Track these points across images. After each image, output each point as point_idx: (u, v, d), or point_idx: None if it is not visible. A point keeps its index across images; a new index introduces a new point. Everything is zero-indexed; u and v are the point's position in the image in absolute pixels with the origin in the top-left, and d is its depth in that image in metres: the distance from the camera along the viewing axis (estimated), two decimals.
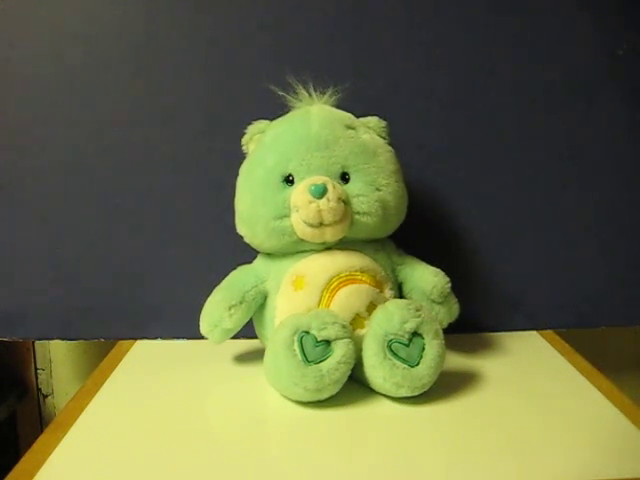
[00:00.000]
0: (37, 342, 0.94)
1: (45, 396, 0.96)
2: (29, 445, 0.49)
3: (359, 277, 0.57)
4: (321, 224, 0.55)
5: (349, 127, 0.59)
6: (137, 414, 0.53)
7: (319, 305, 0.56)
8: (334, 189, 0.55)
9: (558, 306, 0.73)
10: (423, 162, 0.71)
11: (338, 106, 0.62)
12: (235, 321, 0.59)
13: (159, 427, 0.51)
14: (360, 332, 0.55)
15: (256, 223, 0.58)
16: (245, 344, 0.66)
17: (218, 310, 0.59)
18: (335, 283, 0.56)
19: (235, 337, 0.61)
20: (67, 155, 0.71)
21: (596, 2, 0.71)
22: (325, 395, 0.53)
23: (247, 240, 0.62)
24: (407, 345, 0.53)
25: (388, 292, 0.59)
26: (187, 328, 0.66)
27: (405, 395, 0.53)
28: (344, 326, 0.53)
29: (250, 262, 0.63)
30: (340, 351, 0.52)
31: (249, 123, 0.62)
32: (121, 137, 0.71)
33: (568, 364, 0.62)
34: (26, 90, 0.71)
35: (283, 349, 0.52)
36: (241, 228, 0.62)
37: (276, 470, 0.45)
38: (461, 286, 0.63)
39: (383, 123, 0.62)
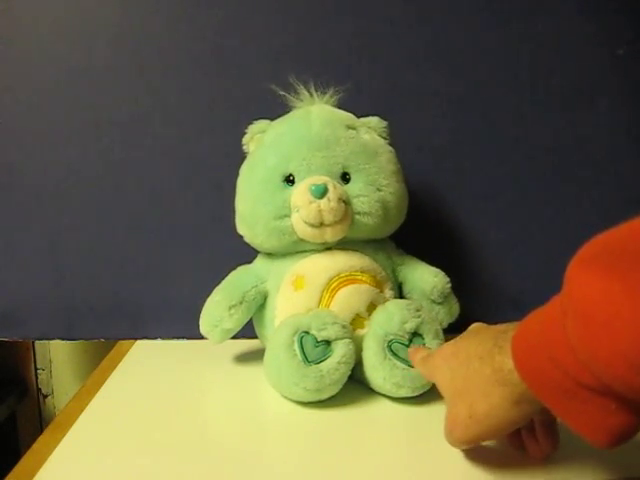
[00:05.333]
0: (37, 342, 0.94)
1: (45, 396, 0.96)
2: (29, 445, 0.49)
3: (359, 277, 0.57)
4: (321, 224, 0.55)
5: (350, 127, 0.59)
6: (137, 414, 0.53)
7: (319, 305, 0.56)
8: (335, 189, 0.55)
9: None
10: (423, 162, 0.71)
11: (339, 106, 0.62)
12: (235, 321, 0.59)
13: (159, 427, 0.51)
14: (360, 332, 0.55)
15: (256, 223, 0.58)
16: (245, 344, 0.66)
17: (218, 310, 0.59)
18: (335, 283, 0.56)
19: (235, 337, 0.61)
20: (67, 155, 0.71)
21: (596, 2, 0.71)
22: (325, 395, 0.53)
23: (247, 240, 0.62)
24: (407, 345, 0.53)
25: (388, 292, 0.59)
26: (187, 328, 0.66)
27: (405, 395, 0.53)
28: (344, 326, 0.53)
29: (250, 262, 0.63)
30: (340, 351, 0.52)
31: (249, 123, 0.62)
32: (121, 137, 0.71)
33: None
34: (26, 90, 0.70)
35: (283, 349, 0.52)
36: (241, 228, 0.62)
37: (276, 470, 0.45)
38: (461, 286, 0.63)
39: (384, 123, 0.62)
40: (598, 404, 0.33)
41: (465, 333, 0.46)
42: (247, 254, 0.63)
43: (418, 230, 0.67)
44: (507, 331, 0.40)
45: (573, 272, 0.33)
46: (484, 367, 0.39)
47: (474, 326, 0.47)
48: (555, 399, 0.35)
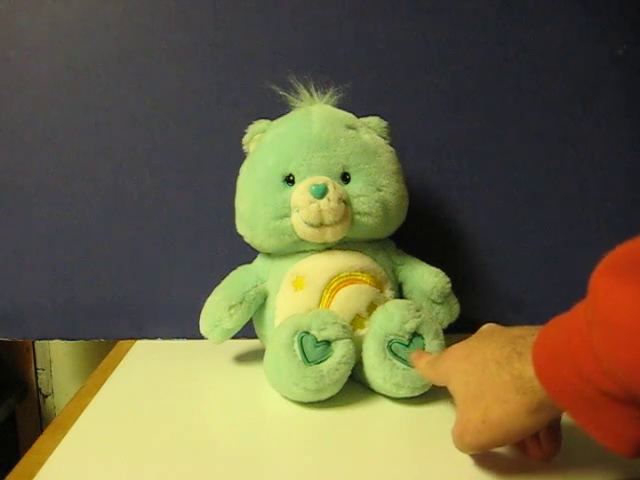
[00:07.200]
0: (37, 342, 0.94)
1: (45, 396, 0.96)
2: (29, 445, 0.49)
3: (359, 277, 0.57)
4: (322, 224, 0.55)
5: (350, 127, 0.59)
6: (137, 414, 0.53)
7: (319, 305, 0.56)
8: (335, 189, 0.55)
9: (558, 306, 0.73)
10: (424, 162, 0.71)
11: (339, 106, 0.62)
12: (235, 321, 0.59)
13: (159, 427, 0.51)
14: (360, 332, 0.55)
15: (256, 223, 0.58)
16: (245, 344, 0.66)
17: (218, 310, 0.59)
18: (335, 283, 0.56)
19: (235, 337, 0.61)
20: (67, 155, 0.71)
21: (596, 2, 0.71)
22: (325, 395, 0.53)
23: (247, 240, 0.62)
24: (407, 345, 0.53)
25: (388, 292, 0.59)
26: (187, 328, 0.66)
27: (405, 396, 0.53)
28: (344, 326, 0.53)
29: (250, 262, 0.63)
30: (340, 351, 0.52)
31: (249, 123, 0.62)
32: (121, 137, 0.71)
33: None
34: (26, 90, 0.70)
35: (283, 349, 0.52)
36: (241, 228, 0.62)
37: (276, 470, 0.45)
38: (461, 286, 0.63)
39: (384, 123, 0.62)
40: (622, 413, 0.32)
41: (477, 335, 0.45)
42: (247, 254, 0.63)
43: (418, 230, 0.67)
44: (525, 337, 0.39)
45: (598, 280, 0.32)
46: (502, 373, 0.39)
47: (486, 327, 0.47)
48: (577, 408, 0.34)
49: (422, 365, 0.49)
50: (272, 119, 0.62)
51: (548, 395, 0.36)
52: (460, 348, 0.45)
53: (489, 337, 0.43)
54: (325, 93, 0.61)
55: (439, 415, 0.52)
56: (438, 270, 0.61)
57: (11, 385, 0.93)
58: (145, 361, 0.66)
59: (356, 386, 0.56)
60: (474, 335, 0.46)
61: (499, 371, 0.39)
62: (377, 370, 0.53)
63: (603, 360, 0.32)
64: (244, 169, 0.62)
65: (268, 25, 0.70)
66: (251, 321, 0.62)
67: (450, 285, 0.60)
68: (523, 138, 0.72)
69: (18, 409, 0.94)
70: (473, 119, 0.72)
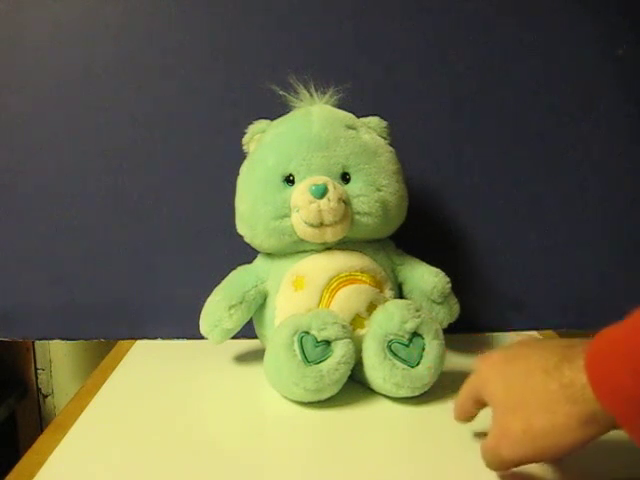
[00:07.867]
0: (37, 342, 0.94)
1: (45, 396, 0.96)
2: (29, 445, 0.49)
3: (359, 277, 0.57)
4: (321, 224, 0.55)
5: (350, 127, 0.59)
6: (137, 414, 0.53)
7: (319, 305, 0.56)
8: (335, 189, 0.55)
9: (558, 306, 0.73)
10: (423, 162, 0.71)
11: (339, 106, 0.62)
12: (235, 321, 0.59)
13: (159, 427, 0.51)
14: (360, 332, 0.55)
15: (256, 223, 0.58)
16: (245, 344, 0.66)
17: (218, 310, 0.59)
18: (335, 283, 0.56)
19: (235, 337, 0.61)
20: (67, 155, 0.71)
21: (596, 2, 0.71)
22: (325, 395, 0.53)
23: (247, 240, 0.62)
24: (407, 345, 0.53)
25: (388, 292, 0.59)
26: (187, 328, 0.66)
27: (405, 395, 0.53)
28: (344, 326, 0.53)
29: (250, 262, 0.63)
30: (340, 351, 0.52)
31: (249, 123, 0.62)
32: (121, 137, 0.71)
33: None
34: (26, 90, 0.70)
35: (283, 349, 0.52)
36: (241, 228, 0.62)
37: (276, 470, 0.45)
38: (461, 286, 0.63)
39: (384, 123, 0.62)
40: None
41: (517, 343, 0.43)
42: (247, 254, 0.63)
43: (418, 230, 0.67)
44: (574, 346, 0.37)
45: None
46: (549, 381, 0.36)
47: (526, 337, 0.45)
48: (632, 417, 0.32)
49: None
50: (272, 119, 0.62)
51: (600, 404, 0.33)
52: (499, 354, 0.42)
53: (531, 345, 0.40)
54: (325, 93, 0.61)
55: (439, 415, 0.52)
56: (438, 270, 0.61)
57: (11, 385, 0.93)
58: (145, 361, 0.66)
59: (356, 386, 0.56)
60: (513, 343, 0.43)
61: (546, 379, 0.36)
62: (377, 370, 0.53)
63: None
64: (244, 169, 0.62)
65: (268, 25, 0.70)
66: (251, 321, 0.62)
67: (450, 285, 0.60)
68: (523, 138, 0.72)
69: (18, 409, 0.94)
70: (473, 119, 0.72)
